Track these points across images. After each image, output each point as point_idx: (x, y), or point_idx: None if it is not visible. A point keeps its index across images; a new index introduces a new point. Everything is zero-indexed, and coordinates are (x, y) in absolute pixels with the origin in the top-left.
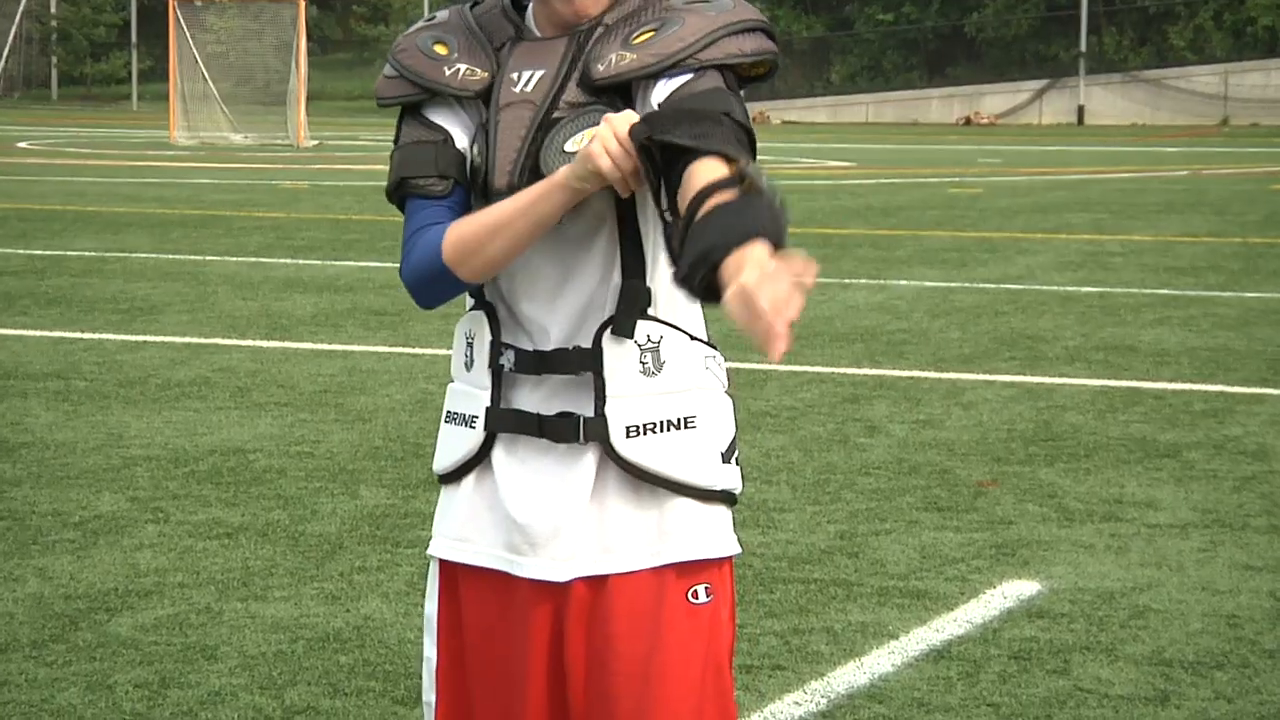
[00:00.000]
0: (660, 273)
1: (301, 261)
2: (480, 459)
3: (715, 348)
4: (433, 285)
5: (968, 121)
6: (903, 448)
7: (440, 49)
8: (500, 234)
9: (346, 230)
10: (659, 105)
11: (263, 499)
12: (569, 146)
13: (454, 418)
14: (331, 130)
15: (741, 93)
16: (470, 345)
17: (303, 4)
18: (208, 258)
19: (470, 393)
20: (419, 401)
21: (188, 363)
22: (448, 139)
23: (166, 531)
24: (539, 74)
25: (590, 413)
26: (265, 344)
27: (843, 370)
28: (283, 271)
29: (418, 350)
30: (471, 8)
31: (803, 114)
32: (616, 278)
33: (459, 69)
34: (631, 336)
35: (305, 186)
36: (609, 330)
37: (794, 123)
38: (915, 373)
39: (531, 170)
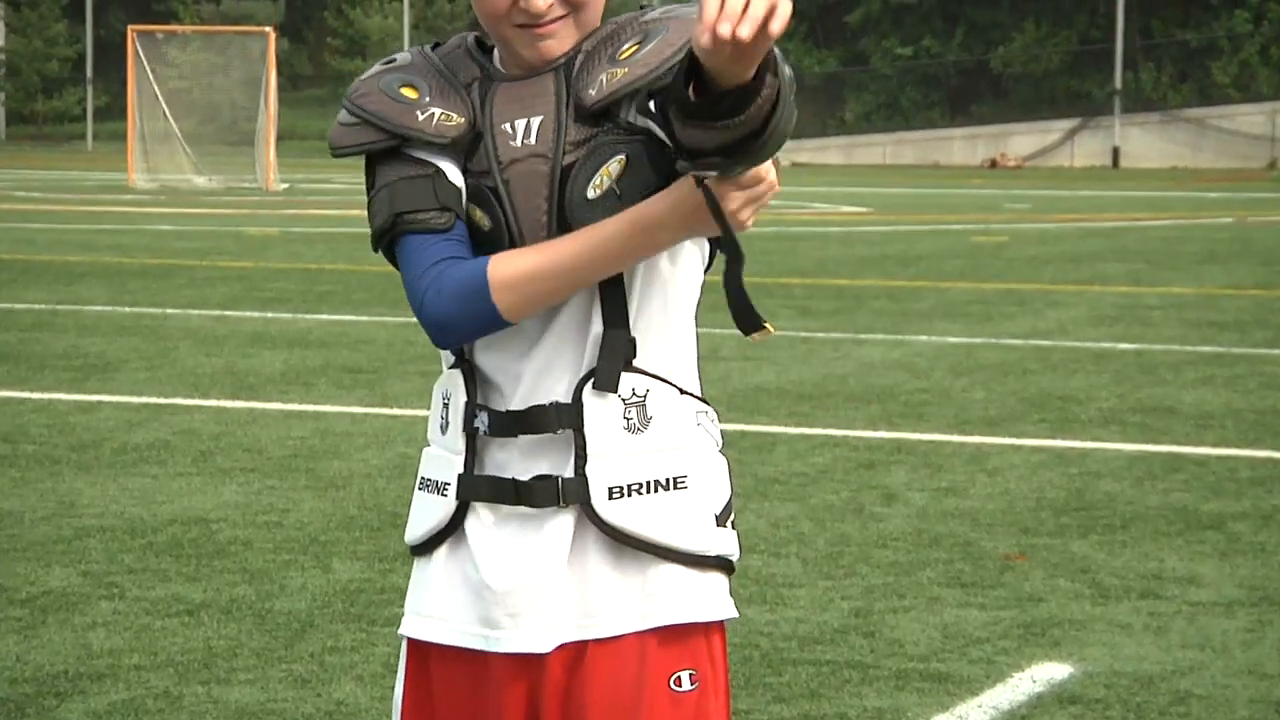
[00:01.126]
0: (645, 321)
1: (270, 315)
2: (453, 529)
3: (708, 403)
4: (472, 323)
5: (993, 164)
6: (923, 518)
7: (409, 92)
8: (574, 280)
9: (319, 281)
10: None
11: (227, 573)
12: (590, 195)
13: (427, 484)
14: (303, 173)
15: None
16: (446, 407)
17: (272, 36)
18: (168, 311)
19: (444, 458)
20: (397, 467)
21: (146, 425)
22: (440, 172)
23: (122, 609)
24: (537, 121)
25: (569, 473)
26: (230, 404)
27: (858, 433)
28: (250, 325)
29: (395, 411)
30: (434, 49)
31: (814, 155)
32: (596, 327)
33: (433, 113)
34: (614, 390)
35: (274, 233)
36: (589, 384)
37: (805, 165)
38: (936, 436)
39: (562, 229)
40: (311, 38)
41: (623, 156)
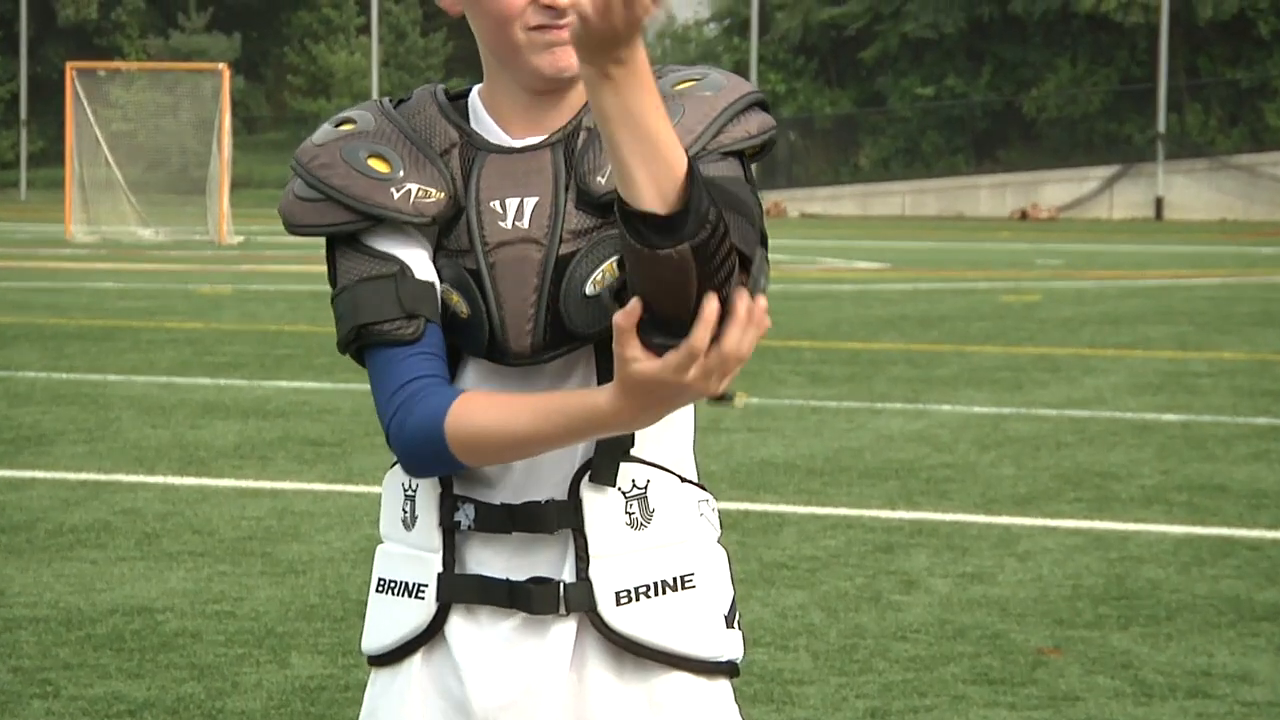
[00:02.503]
0: None
1: (223, 382)
2: (430, 635)
3: (707, 489)
4: (436, 467)
5: (1024, 215)
6: (946, 607)
7: (378, 164)
8: (530, 447)
9: (277, 344)
10: None
11: (173, 669)
12: (589, 290)
13: (390, 587)
14: (260, 224)
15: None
16: (410, 499)
17: (226, 74)
18: (110, 377)
19: (413, 556)
20: (363, 550)
21: (84, 504)
22: (404, 269)
23: (56, 709)
24: (532, 202)
25: (570, 577)
26: (178, 481)
27: (874, 513)
28: (200, 394)
29: (361, 488)
30: (396, 105)
31: (826, 205)
32: None
33: (409, 189)
34: (613, 484)
35: (228, 291)
36: (586, 477)
37: (815, 216)
38: (961, 516)
39: (553, 325)
40: (270, 75)
41: None
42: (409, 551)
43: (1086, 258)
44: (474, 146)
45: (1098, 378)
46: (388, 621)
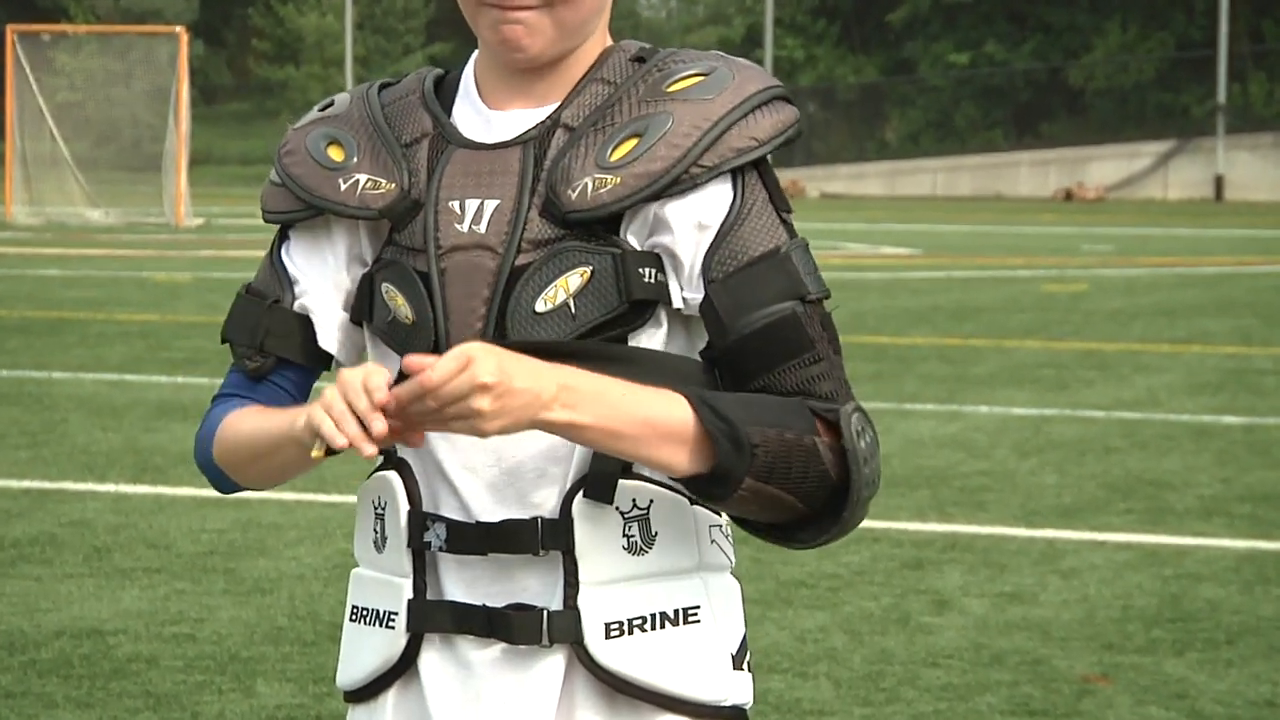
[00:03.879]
0: None
1: (181, 380)
2: (403, 668)
3: (720, 514)
4: (216, 480)
5: (1069, 196)
6: (982, 630)
7: (334, 153)
8: (258, 461)
9: None
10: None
11: (127, 697)
12: (539, 307)
13: (361, 614)
14: (222, 205)
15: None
16: (380, 519)
17: (184, 38)
18: (55, 375)
19: (383, 582)
20: (336, 566)
21: (27, 515)
22: (281, 300)
23: None
24: (492, 205)
25: (557, 604)
26: (131, 489)
27: (902, 525)
28: (155, 393)
29: (334, 498)
30: (383, 89)
31: (849, 184)
32: None
33: (357, 180)
34: (611, 501)
35: (186, 280)
36: (580, 493)
37: (837, 196)
38: (999, 529)
39: (500, 339)
40: (232, 40)
41: (587, 270)
42: (380, 576)
43: (1138, 243)
44: (445, 139)
45: (1151, 376)
46: (360, 653)
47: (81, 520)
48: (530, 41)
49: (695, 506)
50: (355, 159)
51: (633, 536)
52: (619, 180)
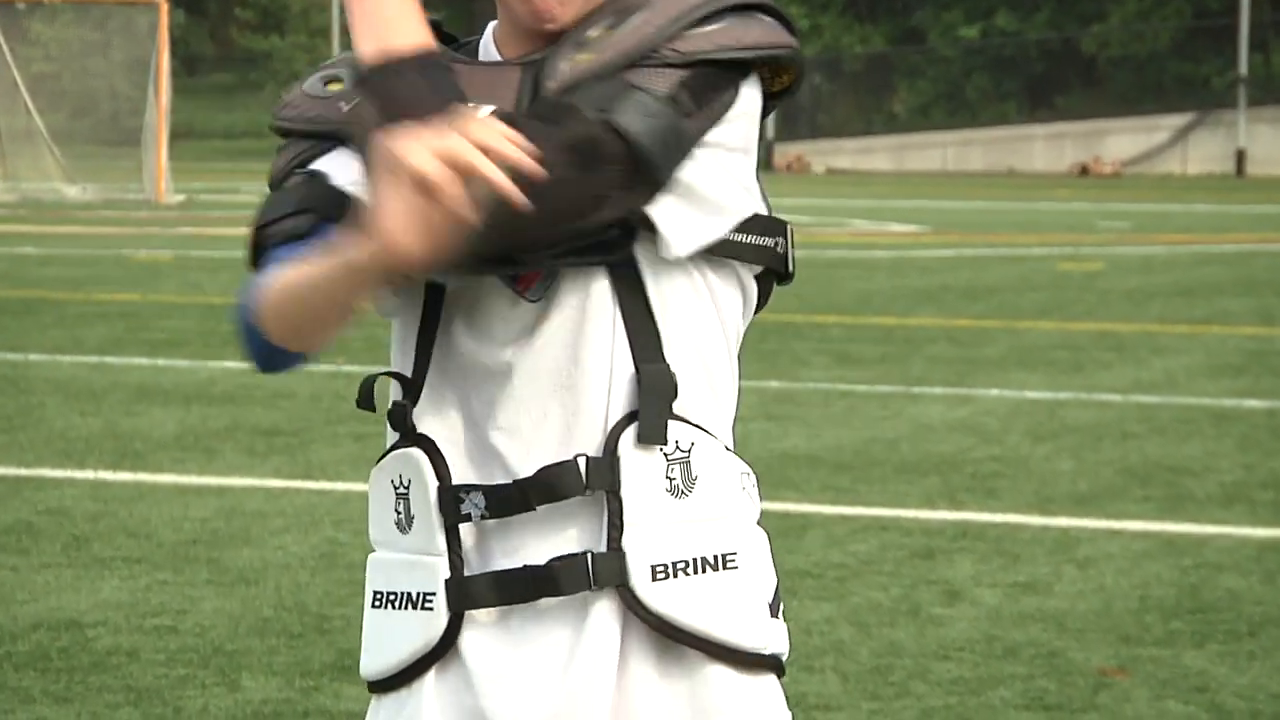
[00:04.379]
0: (681, 357)
1: (162, 362)
2: (443, 650)
3: (747, 463)
4: (253, 345)
5: (1084, 171)
6: (995, 621)
7: (335, 86)
8: (306, 306)
9: (224, 319)
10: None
11: (107, 692)
12: None
13: (390, 600)
14: (204, 181)
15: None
16: (404, 498)
17: (164, 7)
18: (31, 357)
19: (413, 562)
20: (324, 555)
21: (2, 503)
22: (315, 175)
23: None
24: (488, 109)
25: (601, 547)
26: (111, 476)
27: (911, 513)
28: (136, 376)
29: (322, 485)
30: None
31: (855, 159)
32: (627, 363)
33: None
34: (664, 442)
35: (167, 258)
36: (626, 433)
37: (843, 171)
38: (1011, 517)
39: None
40: (214, 9)
41: None
42: (407, 558)
43: (1156, 219)
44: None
45: (1169, 358)
46: (391, 640)
47: (59, 508)
48: (562, 10)
49: (728, 453)
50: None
51: (674, 479)
52: (591, 56)
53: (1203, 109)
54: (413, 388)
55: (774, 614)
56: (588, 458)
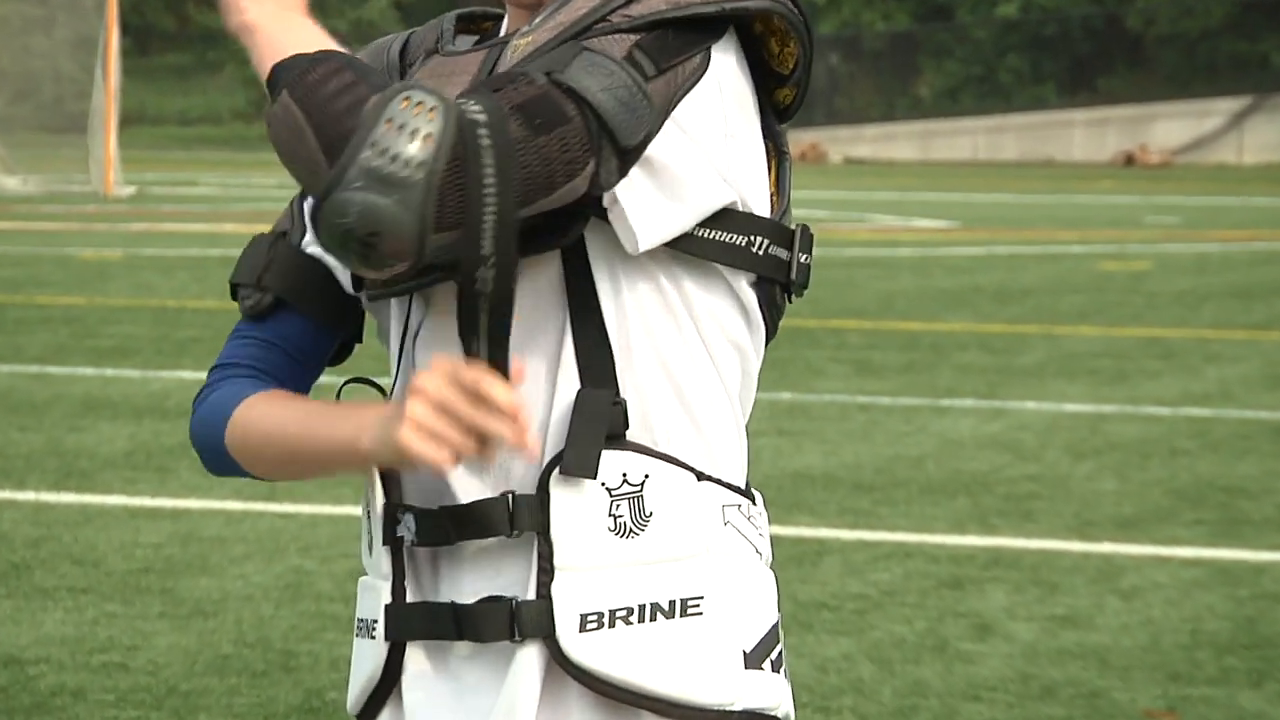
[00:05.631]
0: (643, 373)
1: (110, 372)
2: (390, 682)
3: (748, 493)
4: (217, 463)
5: (1130, 160)
6: (1030, 658)
7: None
8: (295, 463)
9: (179, 324)
10: None
11: None
12: None
13: (359, 627)
14: (157, 171)
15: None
16: (367, 516)
17: None
18: None
19: (370, 586)
20: (289, 586)
21: None
22: (286, 234)
23: None
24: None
25: (530, 594)
26: (53, 498)
27: (939, 539)
28: (81, 387)
29: (287, 507)
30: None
31: (877, 147)
32: (570, 387)
33: None
34: (593, 475)
35: (117, 257)
36: (558, 468)
37: (863, 161)
38: (1049, 543)
39: None
40: None
41: None
42: (369, 580)
43: (1209, 214)
44: (435, 52)
45: (1223, 367)
46: (355, 669)
47: None
48: None
49: (704, 483)
50: None
51: (620, 516)
52: (530, 39)
53: (1260, 92)
54: (389, 398)
55: (754, 664)
56: (514, 495)
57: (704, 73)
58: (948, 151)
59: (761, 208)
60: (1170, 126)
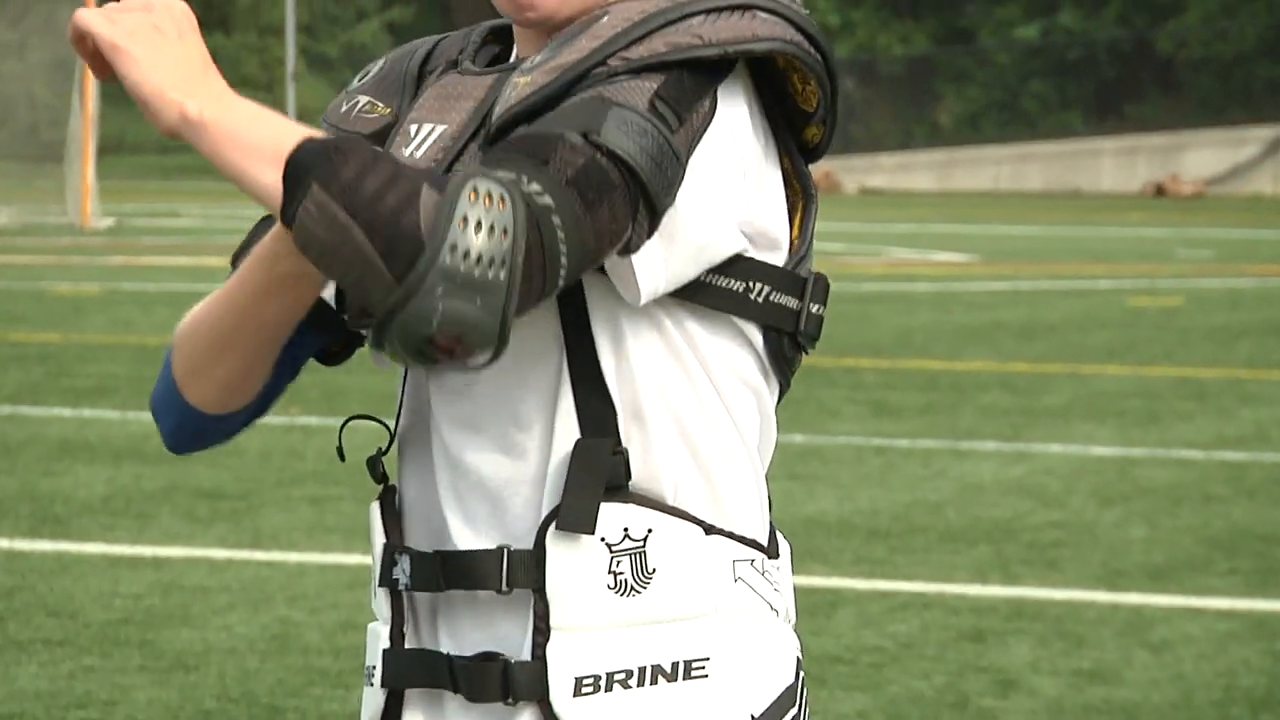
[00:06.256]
0: (651, 420)
1: (88, 413)
2: None
3: (763, 547)
4: (164, 408)
5: (1160, 190)
6: (1056, 715)
7: (364, 80)
8: (211, 327)
9: (159, 362)
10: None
11: None
12: None
13: (366, 672)
14: (136, 202)
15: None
16: (374, 557)
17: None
18: None
19: (373, 631)
20: (276, 638)
21: None
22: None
23: None
24: (439, 130)
25: (525, 654)
26: (27, 545)
27: (959, 589)
28: (57, 429)
29: (273, 555)
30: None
31: (894, 177)
32: (568, 436)
33: (357, 103)
34: (591, 531)
35: (94, 292)
36: (555, 523)
37: (879, 191)
38: (1075, 593)
39: None
40: None
41: None
42: (374, 625)
43: (1244, 247)
44: (454, 67)
45: (1259, 408)
46: (362, 716)
47: None
48: (540, 1)
49: (713, 536)
50: (369, 79)
51: (621, 574)
52: (530, 79)
53: None
54: (395, 435)
55: None
56: (509, 550)
57: (714, 116)
58: (968, 181)
59: (776, 253)
60: (1203, 155)
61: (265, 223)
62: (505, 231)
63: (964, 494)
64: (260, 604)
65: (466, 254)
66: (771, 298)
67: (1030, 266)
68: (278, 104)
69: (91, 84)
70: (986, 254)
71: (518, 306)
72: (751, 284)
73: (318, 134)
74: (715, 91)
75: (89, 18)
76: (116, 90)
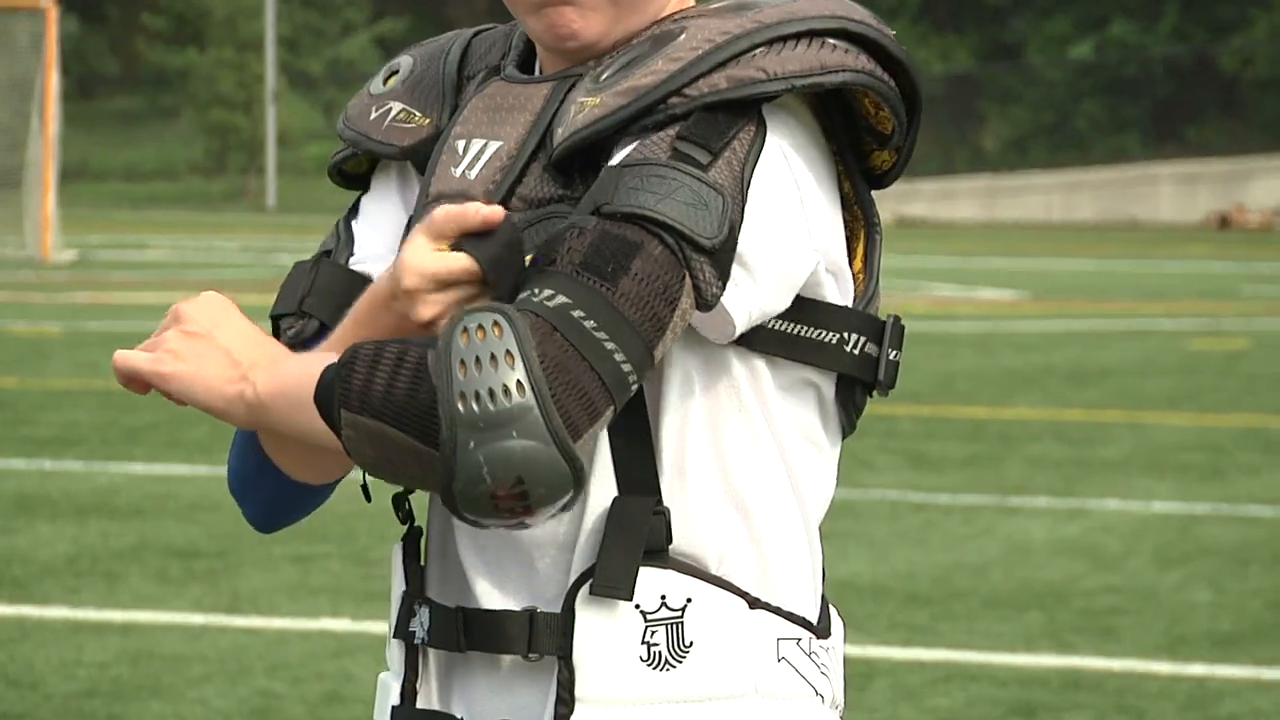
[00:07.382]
0: (693, 480)
1: (49, 465)
2: None
3: (812, 625)
4: (248, 485)
5: (1224, 222)
6: None
7: (391, 81)
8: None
9: (128, 409)
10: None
11: None
12: None
13: None
14: (102, 233)
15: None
16: (391, 602)
17: (53, 13)
18: None
19: (384, 684)
20: (256, 711)
21: None
22: (331, 253)
23: None
24: (494, 148)
25: None
26: None
27: (1007, 658)
28: (14, 483)
29: (253, 621)
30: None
31: (935, 206)
32: (605, 494)
33: (389, 109)
34: (629, 597)
35: (55, 333)
36: (587, 586)
37: (919, 221)
38: (1135, 664)
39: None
40: (116, 16)
41: None
42: (385, 677)
43: None
44: (498, 71)
45: None
46: None
47: None
48: (583, 25)
49: (758, 611)
50: (400, 83)
51: (655, 645)
52: (598, 102)
53: None
54: None
55: None
56: (535, 612)
57: (763, 140)
58: (1015, 211)
59: (844, 284)
60: (1271, 183)
61: (300, 266)
62: (509, 354)
63: (1011, 555)
64: (238, 674)
65: (477, 395)
66: (865, 348)
67: (1083, 305)
68: (256, 125)
69: (53, 105)
70: (1035, 291)
71: (583, 418)
72: (846, 334)
73: (331, 358)
74: (758, 113)
75: (130, 358)
76: (79, 111)
